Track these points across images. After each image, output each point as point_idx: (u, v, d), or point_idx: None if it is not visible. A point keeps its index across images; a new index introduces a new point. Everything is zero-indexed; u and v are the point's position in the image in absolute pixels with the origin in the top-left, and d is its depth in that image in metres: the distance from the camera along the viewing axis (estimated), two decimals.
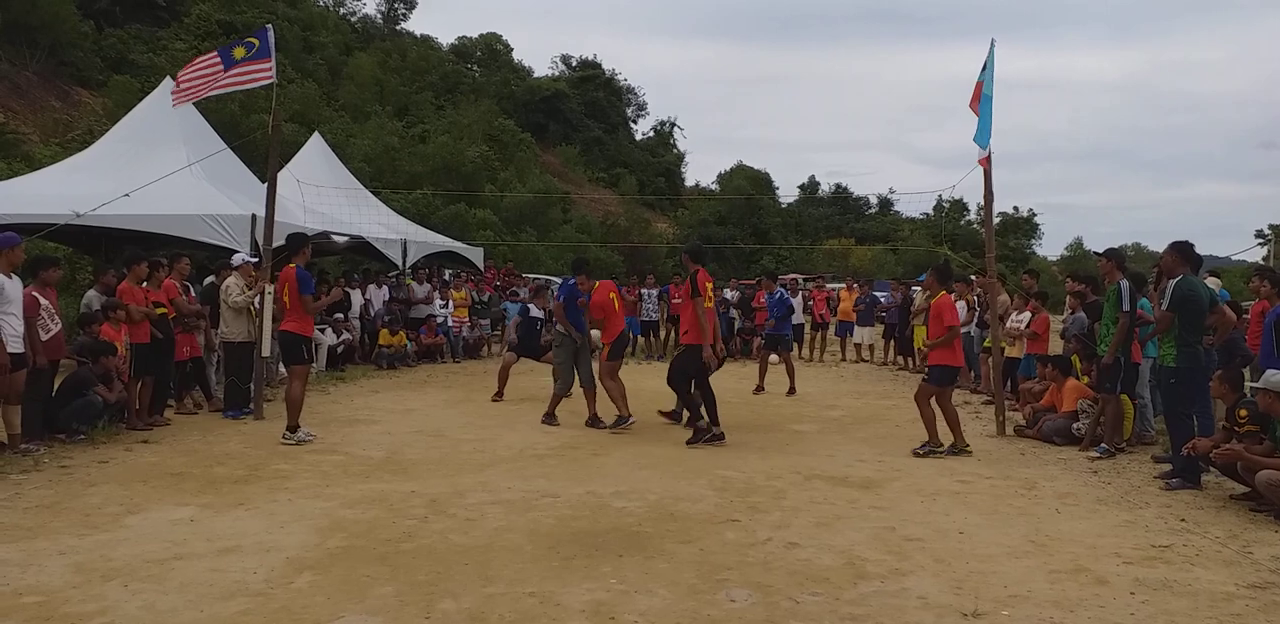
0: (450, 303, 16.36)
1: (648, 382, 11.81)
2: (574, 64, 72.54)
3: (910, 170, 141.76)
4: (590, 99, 67.50)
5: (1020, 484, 6.87)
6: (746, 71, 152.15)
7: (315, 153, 18.19)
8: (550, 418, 9.47)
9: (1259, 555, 5.09)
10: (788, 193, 67.41)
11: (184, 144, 12.55)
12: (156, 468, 7.01)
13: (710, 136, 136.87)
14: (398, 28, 63.69)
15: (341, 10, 59.65)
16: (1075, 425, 8.51)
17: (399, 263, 16.65)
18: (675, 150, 75.44)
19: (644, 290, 17.29)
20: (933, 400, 8.09)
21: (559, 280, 25.36)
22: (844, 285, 19.02)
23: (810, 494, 6.46)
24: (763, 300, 13.62)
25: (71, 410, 7.91)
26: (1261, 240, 51.18)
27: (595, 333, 9.54)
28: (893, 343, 16.97)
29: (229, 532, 5.31)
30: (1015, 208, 62.50)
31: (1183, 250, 7.18)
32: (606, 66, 72.87)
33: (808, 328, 17.80)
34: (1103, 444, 8.00)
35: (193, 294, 10.15)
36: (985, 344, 11.23)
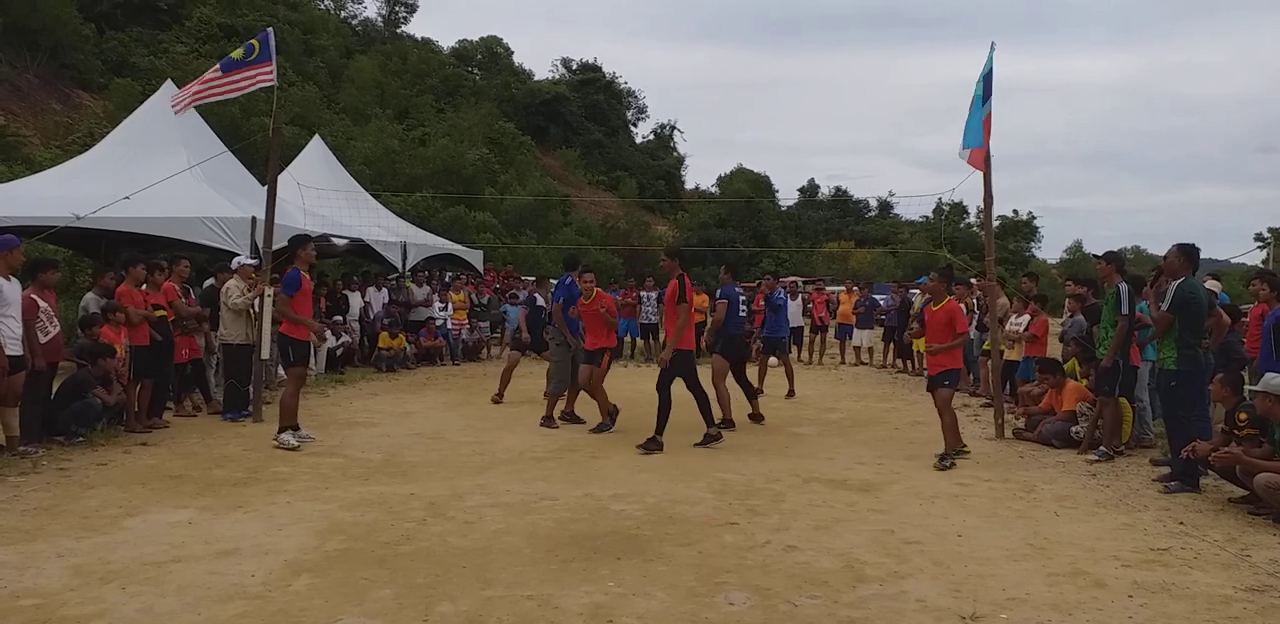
0: (450, 305, 16.37)
1: (648, 385, 11.79)
2: (574, 67, 72.65)
3: (910, 173, 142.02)
4: (590, 102, 67.58)
5: (1019, 487, 6.87)
6: (746, 75, 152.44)
7: (315, 155, 18.21)
8: (549, 420, 9.48)
9: (1257, 559, 5.09)
10: (787, 196, 67.40)
11: (184, 147, 12.56)
12: (155, 470, 7.01)
13: (710, 139, 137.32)
14: (398, 31, 63.77)
15: (342, 13, 59.75)
16: (1074, 429, 8.52)
17: (399, 265, 16.66)
18: (675, 153, 75.54)
19: (643, 293, 17.29)
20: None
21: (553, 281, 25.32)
22: (843, 288, 19.03)
23: (809, 497, 6.46)
24: (761, 303, 13.60)
25: (70, 413, 7.91)
26: (1261, 243, 51.24)
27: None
28: (892, 346, 16.96)
29: (227, 534, 5.31)
30: (1015, 211, 62.54)
31: (1188, 252, 7.18)
32: (607, 70, 73.04)
33: (807, 330, 17.80)
34: (1101, 447, 8.00)
35: (193, 296, 10.16)
36: (985, 347, 11.23)
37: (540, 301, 11.51)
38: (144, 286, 8.97)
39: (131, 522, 5.56)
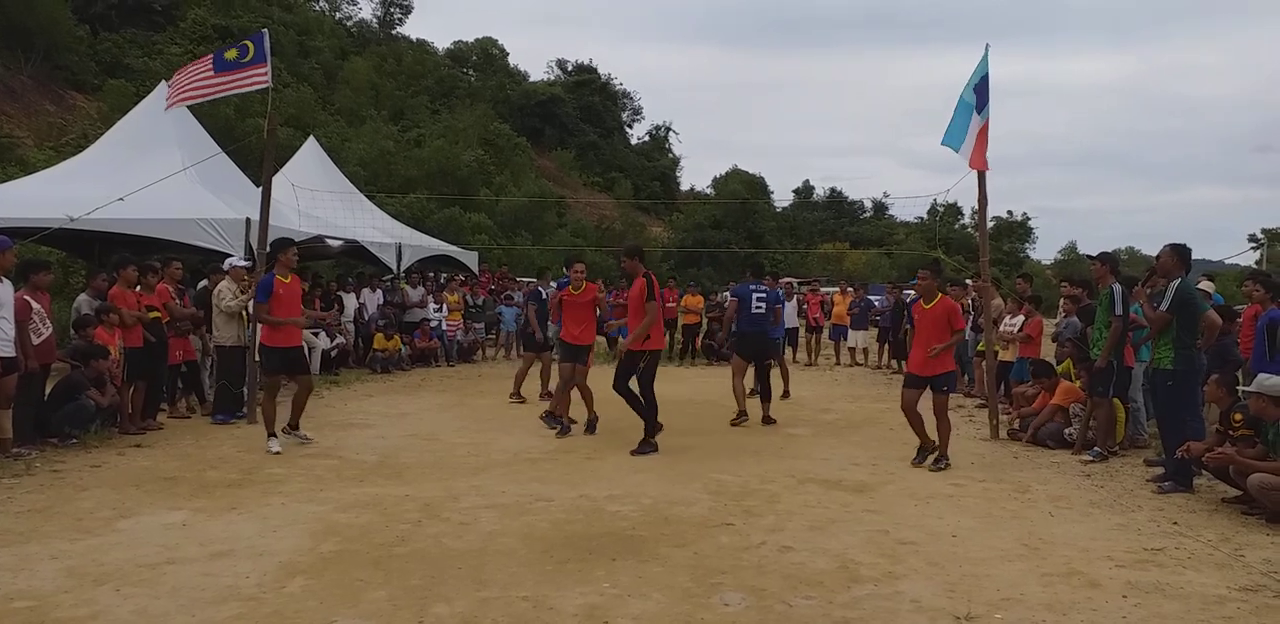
0: (444, 307, 16.35)
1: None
2: (569, 68, 72.78)
3: (905, 174, 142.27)
4: (586, 103, 67.68)
5: (1013, 487, 6.88)
6: (742, 76, 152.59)
7: (310, 157, 18.18)
8: (550, 417, 9.45)
9: (1251, 558, 5.11)
10: (783, 197, 67.57)
11: (178, 148, 12.54)
12: (149, 472, 6.99)
13: (705, 141, 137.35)
14: (393, 32, 63.84)
15: (337, 15, 59.75)
16: (1067, 431, 8.53)
17: (393, 267, 16.64)
18: (670, 155, 75.72)
19: None
20: (916, 404, 7.66)
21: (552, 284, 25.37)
22: (838, 289, 19.05)
23: (804, 498, 6.46)
24: None
25: (64, 414, 7.89)
26: (1255, 244, 51.44)
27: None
28: (887, 346, 16.98)
29: (222, 536, 5.30)
30: (1010, 212, 62.74)
31: (1181, 252, 7.20)
32: (602, 71, 73.25)
33: (802, 331, 17.82)
34: (1095, 448, 8.01)
35: (188, 298, 10.13)
36: (979, 348, 11.25)
37: (545, 295, 11.52)
38: (138, 288, 8.95)
39: (125, 523, 5.55)
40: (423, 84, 55.55)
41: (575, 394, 9.14)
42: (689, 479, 7.00)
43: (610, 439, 8.76)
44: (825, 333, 18.44)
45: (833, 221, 65.97)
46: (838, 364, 17.59)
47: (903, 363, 15.91)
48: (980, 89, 9.20)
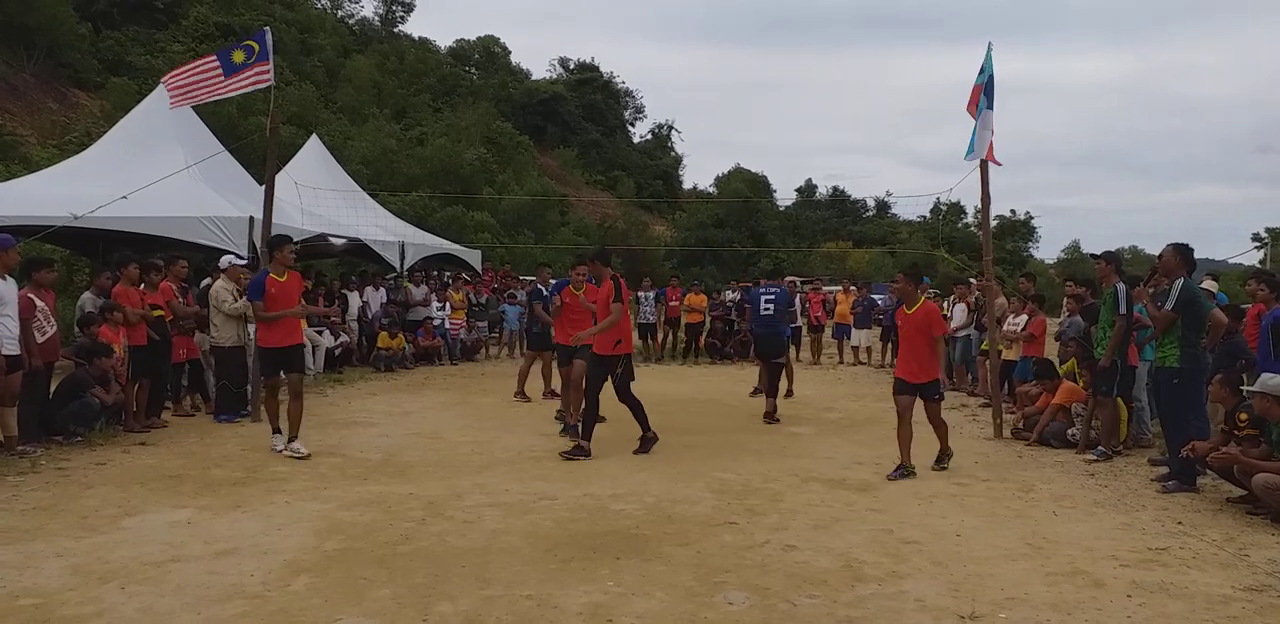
0: (448, 305, 16.36)
1: (645, 384, 11.78)
2: (572, 67, 72.72)
3: (908, 173, 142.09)
4: (588, 102, 67.65)
5: (1017, 487, 6.87)
6: (744, 75, 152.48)
7: (313, 155, 18.20)
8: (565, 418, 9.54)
9: (1255, 558, 5.10)
10: (785, 196, 67.47)
11: (181, 146, 12.56)
12: (154, 470, 7.00)
13: (708, 139, 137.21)
14: (395, 30, 63.83)
15: (339, 13, 59.75)
16: (1071, 431, 8.52)
17: (396, 265, 16.65)
18: (673, 153, 75.67)
19: (641, 294, 17.31)
20: (912, 409, 7.35)
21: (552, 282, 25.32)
22: (840, 288, 19.03)
23: (808, 497, 6.46)
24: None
25: (69, 412, 7.90)
26: (1258, 243, 51.34)
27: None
28: (890, 345, 16.95)
29: (226, 534, 5.31)
30: (1012, 211, 62.67)
31: (1184, 252, 7.20)
32: (604, 69, 73.15)
33: (805, 331, 17.81)
34: (1100, 447, 8.00)
35: (191, 296, 10.13)
36: (983, 347, 11.24)
37: (545, 291, 11.52)
38: (141, 286, 8.96)
39: (130, 521, 5.56)
40: (425, 82, 55.54)
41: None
42: (692, 478, 7.01)
43: (614, 438, 8.75)
44: (829, 332, 18.42)
45: (835, 220, 65.87)
46: (841, 363, 17.58)
47: None
48: (988, 90, 9.20)
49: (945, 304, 13.75)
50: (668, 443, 8.47)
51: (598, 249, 9.20)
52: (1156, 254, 7.70)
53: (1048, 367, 9.21)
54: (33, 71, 32.77)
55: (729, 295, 18.14)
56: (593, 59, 73.94)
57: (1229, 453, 6.17)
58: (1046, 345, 10.74)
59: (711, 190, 67.86)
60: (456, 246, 20.67)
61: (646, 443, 8.08)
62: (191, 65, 9.89)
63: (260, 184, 11.80)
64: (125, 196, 9.52)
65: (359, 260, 19.03)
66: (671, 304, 17.72)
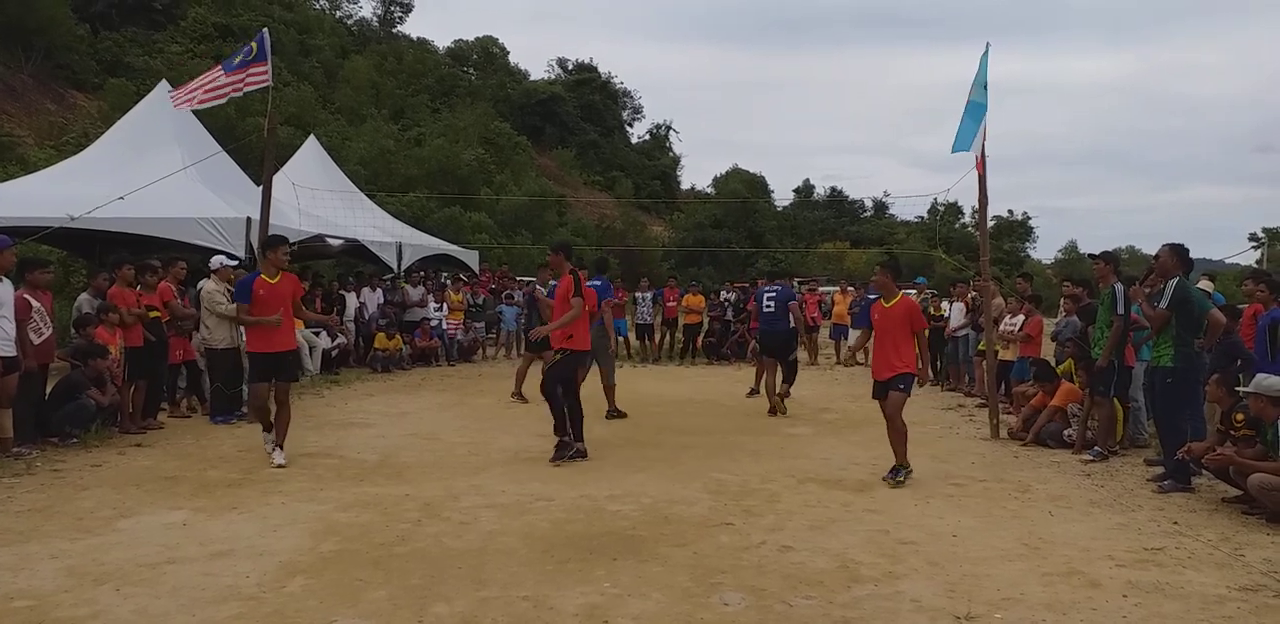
0: (445, 306, 16.36)
1: (642, 385, 11.82)
2: (570, 67, 72.74)
3: (905, 173, 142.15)
4: (586, 102, 67.66)
5: (1013, 487, 6.88)
6: (742, 75, 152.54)
7: (311, 156, 18.18)
8: (614, 411, 9.99)
9: (1251, 558, 5.11)
10: (783, 196, 67.48)
11: (179, 147, 12.54)
12: (149, 471, 7.00)
13: (706, 140, 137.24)
14: (394, 31, 63.84)
15: (337, 13, 59.72)
16: (1067, 432, 8.52)
17: (394, 266, 16.64)
18: (671, 154, 75.69)
19: (638, 294, 17.32)
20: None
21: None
22: (838, 288, 19.04)
23: (804, 497, 6.46)
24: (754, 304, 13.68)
25: (64, 414, 7.89)
26: (1255, 243, 51.46)
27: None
28: None
29: (222, 535, 5.30)
30: (1010, 211, 62.66)
31: (1180, 252, 7.21)
32: (602, 70, 73.15)
33: (801, 331, 17.79)
34: (1096, 447, 8.01)
35: (187, 298, 10.12)
36: (980, 347, 11.25)
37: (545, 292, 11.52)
38: (138, 287, 8.95)
39: (126, 523, 5.55)
40: (423, 83, 55.53)
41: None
42: (689, 479, 7.00)
43: (611, 439, 8.76)
44: (827, 332, 18.43)
45: (833, 221, 65.86)
46: (838, 363, 17.58)
47: None
48: (983, 89, 9.21)
49: (944, 304, 13.73)
50: (665, 443, 8.49)
51: (560, 241, 8.86)
52: (1154, 254, 7.70)
53: (1048, 369, 9.15)
54: (30, 72, 32.74)
55: (728, 297, 18.13)
56: (591, 59, 74.06)
57: (1224, 454, 6.18)
58: (1043, 346, 10.74)
59: (709, 191, 67.89)
60: (454, 247, 20.67)
61: (562, 451, 7.55)
62: (203, 75, 9.92)
63: (258, 185, 11.79)
64: (122, 197, 9.53)
65: (356, 261, 19.02)
66: (669, 305, 17.72)
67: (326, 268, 20.34)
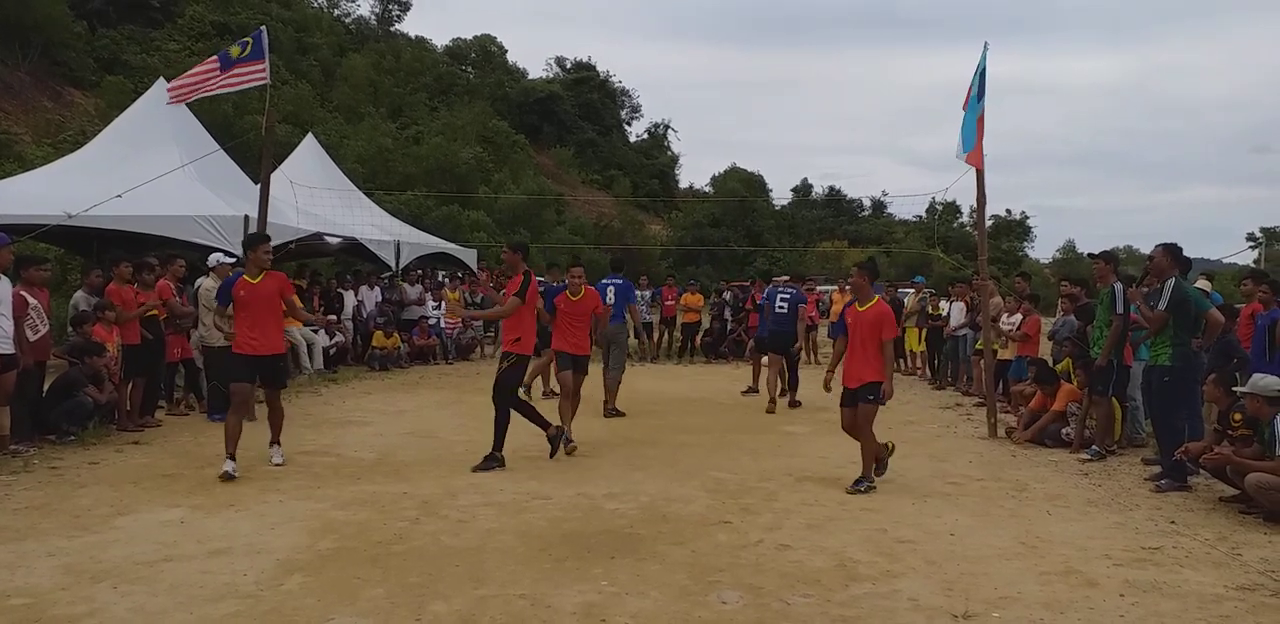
0: (443, 304, 16.34)
1: (640, 383, 11.82)
2: (568, 66, 72.61)
3: (903, 173, 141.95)
4: (584, 101, 67.53)
5: (1011, 486, 6.88)
6: (741, 74, 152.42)
7: (309, 154, 18.17)
8: (613, 411, 10.11)
9: (1248, 557, 5.11)
10: (781, 195, 67.41)
11: (177, 145, 12.52)
12: (147, 469, 6.99)
13: (704, 139, 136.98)
14: (392, 29, 63.66)
15: (335, 12, 59.58)
16: (1065, 430, 8.53)
17: (392, 264, 16.63)
18: (669, 152, 75.50)
19: (639, 292, 17.27)
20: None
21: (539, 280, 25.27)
22: (835, 287, 19.05)
23: (802, 496, 6.46)
24: (756, 303, 13.74)
25: (62, 411, 7.88)
26: (1253, 243, 51.56)
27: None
28: None
29: (219, 533, 5.30)
30: (1008, 210, 62.57)
31: (1175, 252, 7.23)
32: (601, 69, 72.99)
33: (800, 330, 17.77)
34: (1093, 446, 8.02)
35: (185, 296, 10.10)
36: (978, 346, 11.26)
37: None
38: (136, 285, 8.93)
39: (123, 520, 5.54)
40: (421, 81, 55.39)
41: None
42: (687, 477, 7.01)
43: (609, 438, 8.77)
44: (824, 331, 18.40)
45: (831, 220, 65.76)
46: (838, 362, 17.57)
47: (901, 360, 15.98)
48: (979, 84, 9.22)
49: (943, 303, 13.75)
50: (663, 442, 8.49)
51: (517, 241, 8.59)
52: (1148, 255, 7.71)
53: (1049, 372, 9.09)
54: (28, 70, 32.64)
55: (726, 296, 18.14)
56: (589, 58, 73.86)
57: (1221, 454, 6.19)
58: (1041, 345, 10.75)
59: (707, 190, 67.80)
60: (452, 246, 20.66)
61: (489, 461, 7.25)
62: (196, 68, 9.91)
63: (256, 183, 11.77)
64: (120, 195, 9.51)
65: (354, 259, 19.01)
66: (667, 303, 17.72)
67: (325, 266, 20.32)
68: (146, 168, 10.78)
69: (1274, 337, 7.35)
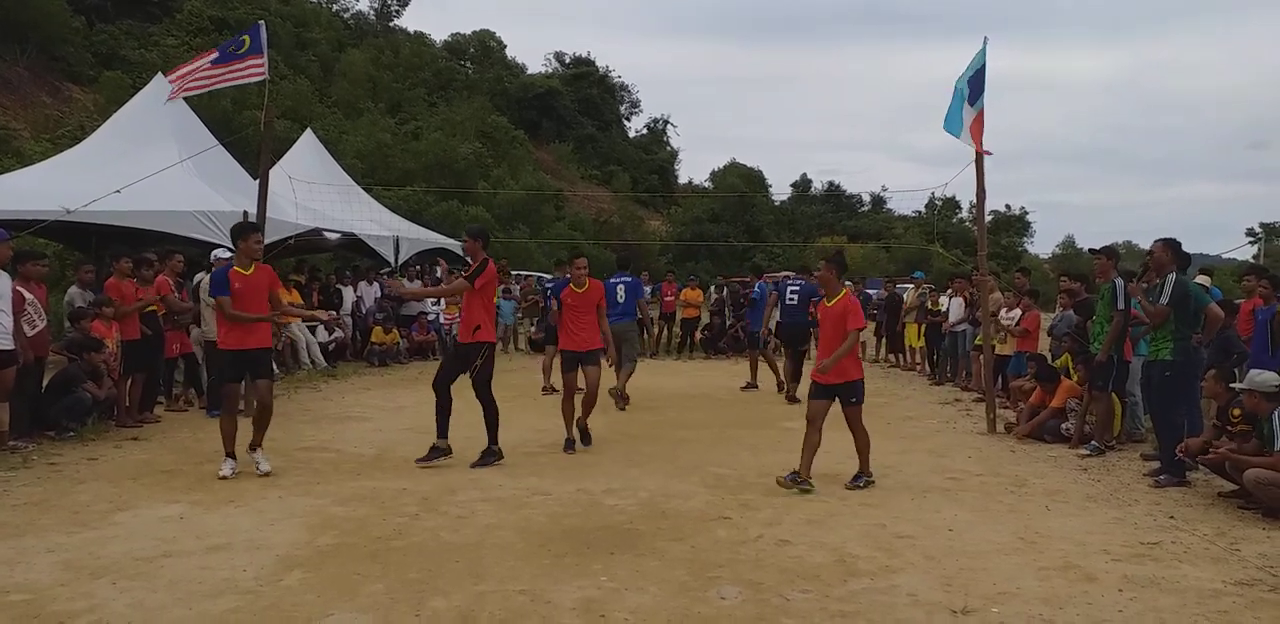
0: (442, 300, 16.33)
1: (639, 379, 11.79)
2: (567, 61, 72.55)
3: (903, 168, 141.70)
4: (584, 96, 67.47)
5: (1010, 481, 6.88)
6: (740, 69, 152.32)
7: (308, 149, 18.16)
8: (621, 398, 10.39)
9: (1246, 553, 5.12)
10: (781, 191, 67.37)
11: (175, 140, 12.51)
12: (146, 465, 6.99)
13: (703, 134, 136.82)
14: (391, 24, 63.55)
15: (334, 7, 59.48)
16: (1064, 425, 8.53)
17: (391, 260, 16.62)
18: (668, 148, 75.49)
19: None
20: (824, 417, 6.66)
21: (548, 277, 25.36)
22: None
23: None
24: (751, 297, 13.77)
25: (60, 407, 7.87)
26: (1252, 239, 51.58)
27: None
28: (883, 340, 17.00)
29: (219, 529, 5.30)
30: (1007, 206, 62.60)
31: (1175, 247, 7.22)
32: (600, 64, 72.92)
33: None
34: (1093, 441, 8.02)
35: (185, 292, 10.09)
36: (977, 342, 11.25)
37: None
38: (135, 280, 8.92)
39: (122, 516, 5.54)
40: (420, 76, 55.30)
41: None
42: (686, 473, 7.01)
43: (608, 434, 8.76)
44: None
45: (831, 215, 65.68)
46: None
47: (899, 356, 16.02)
48: (975, 81, 9.20)
49: (942, 298, 13.75)
50: (662, 437, 8.49)
51: (477, 226, 8.06)
52: (1147, 250, 7.70)
53: (1050, 369, 9.07)
54: (26, 65, 32.59)
55: (725, 292, 18.15)
56: (589, 53, 73.84)
57: (1220, 453, 6.21)
58: (1040, 340, 10.74)
59: (707, 185, 67.72)
60: (451, 241, 20.63)
61: (487, 456, 7.27)
62: (192, 61, 9.88)
63: (254, 178, 11.76)
64: (118, 191, 9.51)
65: (353, 255, 19.00)
66: (667, 299, 17.72)
67: (324, 261, 20.30)
68: (145, 163, 10.77)
69: (1275, 332, 7.34)
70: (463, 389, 7.42)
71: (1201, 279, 10.65)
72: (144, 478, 6.55)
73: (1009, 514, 5.92)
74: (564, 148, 61.20)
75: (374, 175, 30.90)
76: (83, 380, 8.02)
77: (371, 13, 62.91)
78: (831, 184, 68.93)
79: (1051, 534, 5.43)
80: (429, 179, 34.75)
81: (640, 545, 5.12)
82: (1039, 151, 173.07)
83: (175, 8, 39.94)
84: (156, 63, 28.47)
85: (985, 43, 9.32)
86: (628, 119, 76.74)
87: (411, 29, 65.48)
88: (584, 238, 39.72)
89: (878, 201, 67.77)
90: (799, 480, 6.45)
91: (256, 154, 10.70)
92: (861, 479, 6.68)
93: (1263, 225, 54.24)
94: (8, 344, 7.06)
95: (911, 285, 16.27)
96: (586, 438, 8.17)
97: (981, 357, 10.34)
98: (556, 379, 10.92)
